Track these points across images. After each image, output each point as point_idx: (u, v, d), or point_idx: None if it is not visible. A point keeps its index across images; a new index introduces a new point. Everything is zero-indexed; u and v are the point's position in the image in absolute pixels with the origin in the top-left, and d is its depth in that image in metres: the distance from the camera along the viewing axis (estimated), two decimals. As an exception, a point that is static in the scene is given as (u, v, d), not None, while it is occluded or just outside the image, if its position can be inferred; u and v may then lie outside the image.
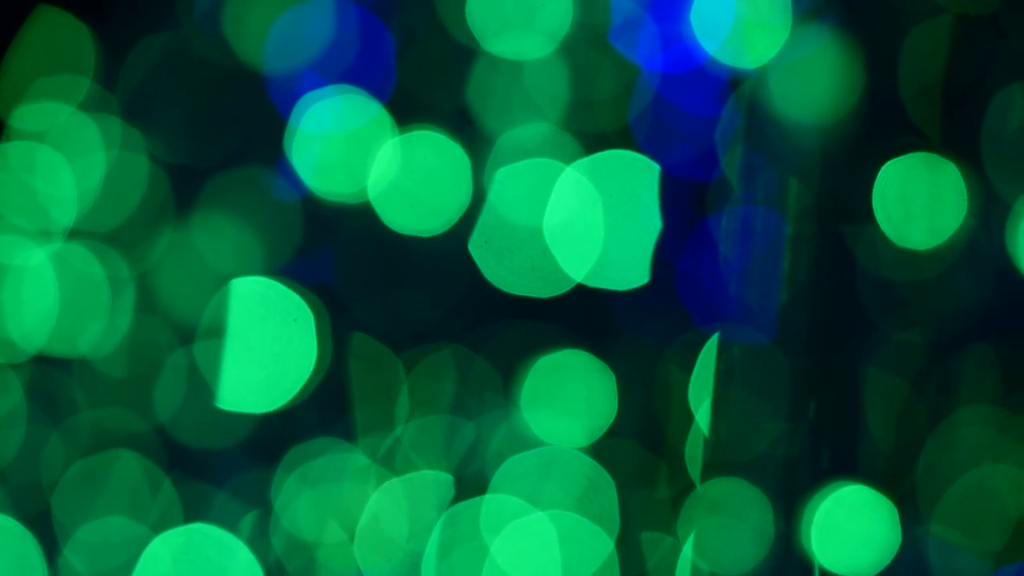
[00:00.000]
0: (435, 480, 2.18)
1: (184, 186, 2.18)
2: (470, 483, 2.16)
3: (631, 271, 2.15)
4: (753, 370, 2.09)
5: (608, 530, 2.13)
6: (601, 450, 2.14)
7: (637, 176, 2.17)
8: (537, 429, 2.13)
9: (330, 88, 2.19)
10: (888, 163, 2.09)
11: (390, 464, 2.19)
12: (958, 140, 2.13)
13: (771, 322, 2.08)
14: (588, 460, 2.14)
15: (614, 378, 2.12)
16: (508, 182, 2.21)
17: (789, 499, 2.07)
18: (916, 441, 2.11)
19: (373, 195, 2.16)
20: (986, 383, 2.13)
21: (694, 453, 2.16)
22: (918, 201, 2.09)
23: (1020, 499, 2.10)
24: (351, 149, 2.18)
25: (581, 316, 2.18)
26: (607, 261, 2.15)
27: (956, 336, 2.10)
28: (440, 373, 2.21)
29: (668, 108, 2.19)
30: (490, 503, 2.16)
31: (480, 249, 2.19)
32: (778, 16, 2.09)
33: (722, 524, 2.06)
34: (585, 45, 2.17)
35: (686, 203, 2.18)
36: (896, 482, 2.09)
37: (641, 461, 2.16)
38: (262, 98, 2.19)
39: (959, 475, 2.12)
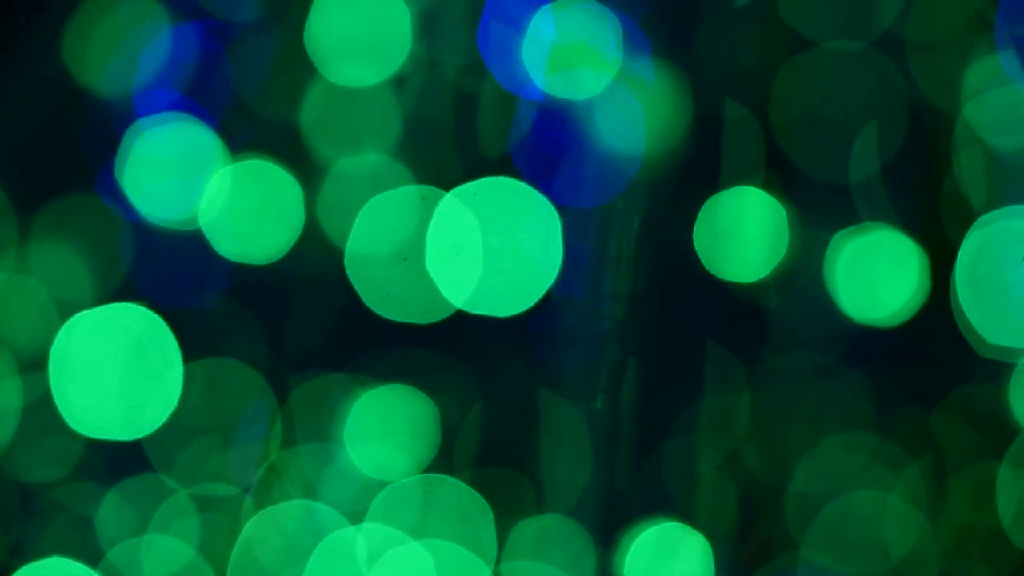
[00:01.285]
0: (309, 509, 2.14)
1: (16, 212, 2.13)
2: (346, 512, 2.13)
3: (512, 297, 2.13)
4: (577, 399, 2.09)
5: (485, 559, 2.12)
6: (480, 479, 2.12)
7: (518, 202, 2.15)
8: (363, 462, 2.10)
9: (164, 114, 2.14)
10: (712, 197, 2.09)
11: (263, 494, 2.15)
12: (783, 173, 2.14)
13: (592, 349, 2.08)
14: (466, 489, 2.12)
15: (437, 410, 2.10)
16: (390, 208, 2.18)
17: (610, 535, 2.06)
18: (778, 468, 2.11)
19: (204, 222, 2.13)
20: (851, 410, 2.14)
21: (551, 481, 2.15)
22: (738, 235, 2.09)
23: (887, 524, 2.11)
24: (182, 175, 2.14)
25: (461, 342, 2.16)
26: (487, 287, 2.13)
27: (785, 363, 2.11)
28: (315, 400, 2.17)
29: (548, 135, 2.18)
30: (366, 532, 2.13)
31: (360, 275, 2.16)
32: (608, 48, 2.09)
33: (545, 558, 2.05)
34: (462, 72, 2.15)
35: (567, 229, 2.17)
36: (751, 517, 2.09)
37: (520, 489, 2.14)
38: (96, 121, 2.15)
39: (827, 502, 2.12)
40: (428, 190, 2.17)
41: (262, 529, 2.16)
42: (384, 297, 2.10)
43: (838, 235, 2.07)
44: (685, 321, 2.09)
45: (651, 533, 2.06)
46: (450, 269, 2.12)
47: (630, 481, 2.07)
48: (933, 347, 2.10)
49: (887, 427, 2.13)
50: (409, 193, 2.18)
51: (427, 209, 2.18)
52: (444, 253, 2.09)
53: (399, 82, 2.15)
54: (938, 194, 2.12)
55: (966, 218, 2.11)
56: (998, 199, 2.11)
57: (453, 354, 2.16)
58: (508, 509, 2.11)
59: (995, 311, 2.10)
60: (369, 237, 2.17)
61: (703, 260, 2.10)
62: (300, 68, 2.16)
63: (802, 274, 2.08)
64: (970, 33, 2.12)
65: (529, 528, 2.09)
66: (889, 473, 2.12)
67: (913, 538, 2.11)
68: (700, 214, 2.11)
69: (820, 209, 2.15)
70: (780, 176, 2.14)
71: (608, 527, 2.07)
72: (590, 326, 2.11)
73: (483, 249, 2.14)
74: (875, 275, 2.08)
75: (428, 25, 2.14)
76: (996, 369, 2.11)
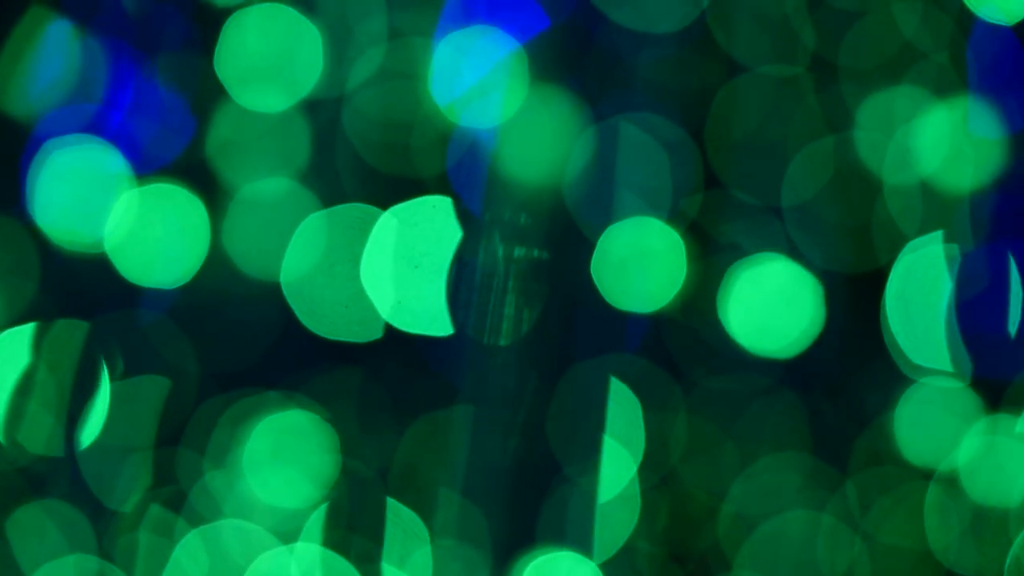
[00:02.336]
0: (238, 530, 2.11)
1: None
2: (277, 531, 2.10)
3: (444, 316, 2.11)
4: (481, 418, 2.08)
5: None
6: (406, 495, 2.09)
7: (452, 222, 2.14)
8: (263, 489, 2.08)
9: (72, 136, 2.12)
10: (610, 227, 2.09)
11: (194, 515, 2.12)
12: (717, 196, 2.15)
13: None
14: (404, 509, 2.09)
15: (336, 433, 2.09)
16: (324, 226, 2.16)
17: (508, 560, 2.05)
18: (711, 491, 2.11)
19: (109, 245, 2.10)
20: (785, 430, 2.14)
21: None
22: (635, 265, 2.10)
23: (819, 544, 2.11)
24: (89, 198, 2.11)
25: (393, 360, 2.14)
26: (419, 306, 2.11)
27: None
28: (247, 418, 2.14)
29: (487, 155, 2.17)
30: (299, 552, 2.10)
31: (295, 293, 2.13)
32: (515, 77, 2.10)
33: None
34: (397, 93, 2.14)
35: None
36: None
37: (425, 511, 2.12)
38: (4, 142, 2.12)
39: (761, 521, 2.12)
40: (364, 209, 2.15)
41: (192, 549, 2.12)
42: (341, 314, 2.08)
43: (734, 265, 2.07)
44: (587, 343, 2.08)
45: (545, 561, 2.04)
46: (397, 285, 2.10)
47: (530, 506, 2.05)
48: (865, 369, 2.10)
49: (820, 447, 2.13)
50: (344, 212, 2.15)
51: (364, 229, 2.15)
52: (401, 267, 2.07)
53: (310, 106, 2.13)
54: (869, 218, 2.13)
55: (896, 243, 2.12)
56: (928, 224, 2.13)
57: (377, 373, 2.13)
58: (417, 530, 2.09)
59: (923, 334, 2.11)
60: (306, 256, 2.14)
61: (601, 290, 2.09)
62: (211, 92, 2.13)
63: (701, 304, 2.08)
64: (902, 61, 2.14)
65: (424, 552, 2.07)
66: (822, 493, 2.12)
67: (846, 558, 2.11)
68: (599, 243, 2.10)
69: (751, 232, 2.15)
70: (714, 199, 2.14)
71: (507, 552, 2.05)
72: (493, 349, 2.09)
73: (417, 268, 2.12)
74: (769, 306, 2.09)
75: (340, 47, 2.13)
76: (925, 390, 2.12)
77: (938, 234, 2.10)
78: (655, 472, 2.13)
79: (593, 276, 2.08)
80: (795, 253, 2.14)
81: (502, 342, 2.09)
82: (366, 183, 2.16)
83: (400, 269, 2.09)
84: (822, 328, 2.08)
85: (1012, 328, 2.08)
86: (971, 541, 2.06)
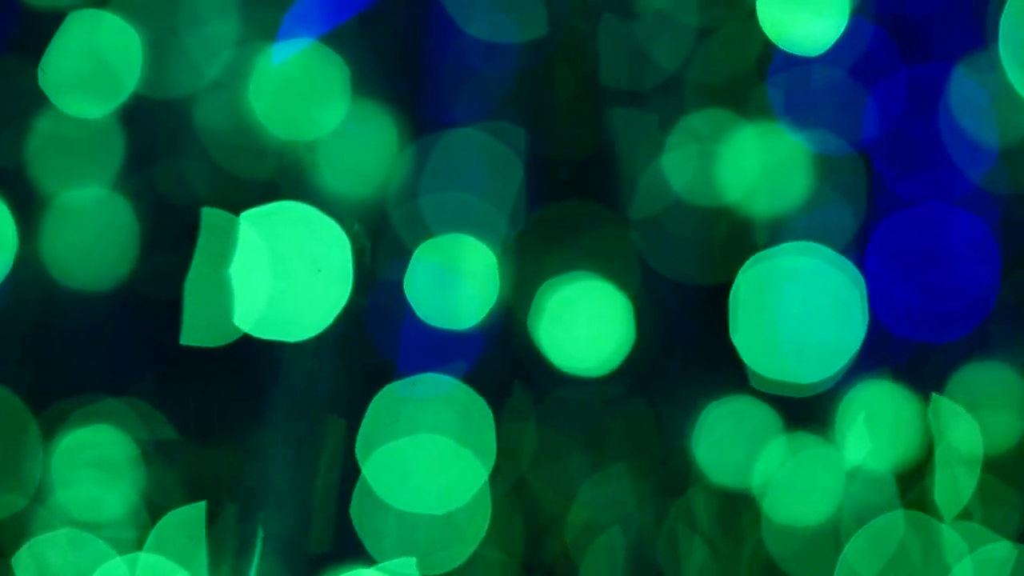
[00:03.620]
0: (78, 541, 2.05)
1: None
2: (116, 541, 2.05)
3: (303, 322, 2.08)
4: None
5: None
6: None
7: (314, 226, 2.11)
8: (101, 498, 2.03)
9: None
10: (429, 241, 2.10)
11: (29, 523, 2.05)
12: (573, 210, 2.15)
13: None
14: (239, 518, 2.05)
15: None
16: (181, 230, 2.11)
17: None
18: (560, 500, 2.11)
19: None
20: (633, 438, 2.15)
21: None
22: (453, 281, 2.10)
23: (665, 549, 2.12)
24: None
25: (254, 367, 2.10)
26: (277, 311, 2.08)
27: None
28: (96, 426, 2.09)
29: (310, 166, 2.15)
30: (142, 562, 2.04)
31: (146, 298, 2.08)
32: (338, 89, 2.09)
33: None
34: (238, 100, 2.10)
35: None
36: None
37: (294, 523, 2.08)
38: None
39: (608, 528, 2.12)
40: (219, 213, 2.11)
41: (29, 561, 2.05)
42: (200, 318, 2.02)
43: (547, 283, 2.08)
44: (407, 356, 2.07)
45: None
46: (256, 290, 2.06)
47: (337, 519, 2.04)
48: (711, 379, 2.12)
49: (668, 455, 2.14)
50: (204, 215, 2.10)
51: (221, 233, 2.11)
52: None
53: (126, 113, 2.09)
54: (717, 231, 2.15)
55: (743, 255, 2.14)
56: (774, 237, 2.15)
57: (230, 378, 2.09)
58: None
59: (769, 346, 2.13)
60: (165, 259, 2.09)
61: (417, 308, 2.08)
62: (29, 98, 2.08)
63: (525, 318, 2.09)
64: (749, 81, 2.17)
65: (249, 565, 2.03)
66: (669, 500, 2.13)
67: (695, 563, 2.12)
68: (414, 258, 2.09)
69: (603, 244, 2.16)
70: (570, 212, 2.14)
71: (317, 565, 2.03)
72: (311, 358, 2.07)
73: (275, 274, 2.08)
74: (580, 325, 2.10)
75: (159, 56, 2.09)
76: (770, 400, 2.14)
77: (785, 246, 2.12)
78: (505, 480, 2.12)
79: (408, 291, 2.06)
80: (645, 265, 2.15)
81: (322, 352, 2.06)
82: (220, 187, 2.11)
83: (261, 273, 2.05)
84: (644, 344, 2.09)
85: (854, 340, 2.11)
86: (809, 550, 2.08)
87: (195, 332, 2.08)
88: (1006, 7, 2.11)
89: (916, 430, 2.10)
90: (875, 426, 2.08)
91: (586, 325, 2.08)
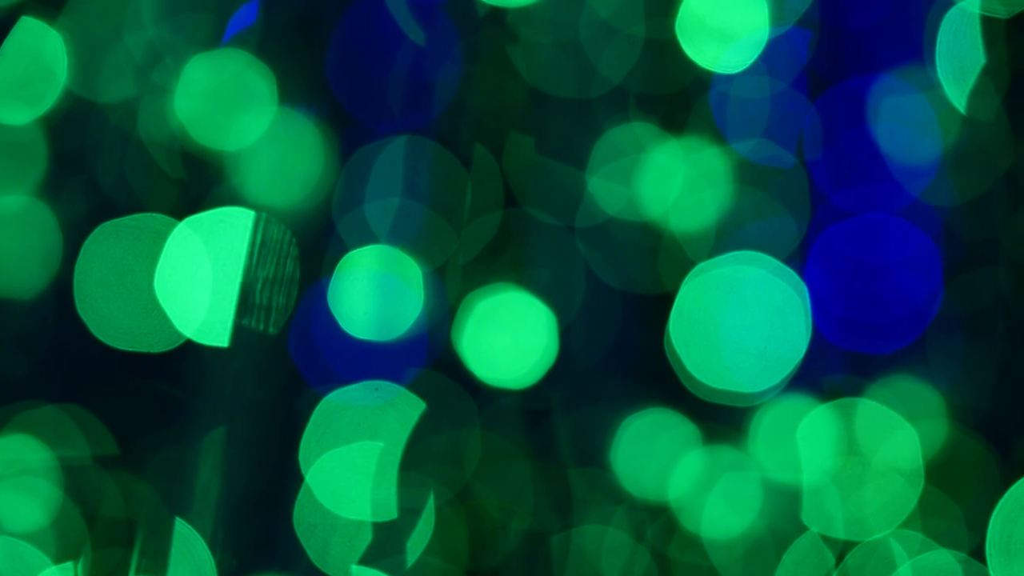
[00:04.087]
0: (12, 550, 2.04)
1: None
2: (51, 549, 2.04)
3: (226, 327, 2.07)
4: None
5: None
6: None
7: (242, 232, 2.10)
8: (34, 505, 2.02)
9: None
10: (350, 252, 2.09)
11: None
12: (516, 216, 2.16)
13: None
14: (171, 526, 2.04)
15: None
16: (115, 235, 2.10)
17: None
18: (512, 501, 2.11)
19: None
20: (577, 445, 2.15)
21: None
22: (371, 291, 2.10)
23: (606, 557, 2.12)
24: None
25: (194, 372, 2.09)
26: (217, 317, 2.07)
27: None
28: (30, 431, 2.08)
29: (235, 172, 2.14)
30: (77, 572, 2.03)
31: (86, 303, 2.08)
32: (265, 96, 2.08)
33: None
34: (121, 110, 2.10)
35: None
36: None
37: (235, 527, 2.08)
38: None
39: (551, 536, 2.12)
40: (158, 218, 2.10)
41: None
42: (141, 324, 2.02)
43: (472, 294, 2.08)
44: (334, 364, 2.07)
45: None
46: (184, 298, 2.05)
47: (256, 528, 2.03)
48: (655, 389, 2.12)
49: (610, 462, 2.14)
50: (138, 221, 2.10)
51: (158, 238, 2.10)
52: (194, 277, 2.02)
53: (51, 119, 2.08)
54: (659, 242, 2.16)
55: (684, 266, 2.14)
56: (716, 247, 2.16)
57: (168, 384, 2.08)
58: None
59: (711, 355, 2.14)
60: (95, 266, 2.08)
61: (341, 318, 2.08)
62: None
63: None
64: (692, 92, 2.17)
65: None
66: (613, 507, 2.13)
67: (637, 572, 2.12)
68: (340, 268, 2.09)
69: (548, 253, 2.16)
70: (511, 218, 2.14)
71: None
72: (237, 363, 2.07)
73: (213, 279, 2.07)
74: (503, 338, 2.10)
75: (85, 62, 2.08)
76: (710, 410, 2.14)
77: (725, 256, 2.12)
78: (449, 488, 2.12)
79: (333, 300, 2.06)
80: (590, 273, 2.15)
81: (245, 357, 2.05)
82: (158, 192, 2.10)
83: (192, 279, 2.04)
84: (587, 353, 2.09)
85: (796, 350, 2.11)
86: (753, 556, 2.09)
87: (134, 338, 2.07)
88: (944, 20, 2.11)
89: (855, 441, 2.10)
90: (804, 438, 2.08)
91: (508, 337, 2.08)
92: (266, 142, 2.08)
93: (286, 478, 2.09)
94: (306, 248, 2.08)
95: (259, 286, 2.05)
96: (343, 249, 2.10)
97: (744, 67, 2.06)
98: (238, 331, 2.07)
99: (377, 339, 2.07)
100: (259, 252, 2.06)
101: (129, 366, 2.10)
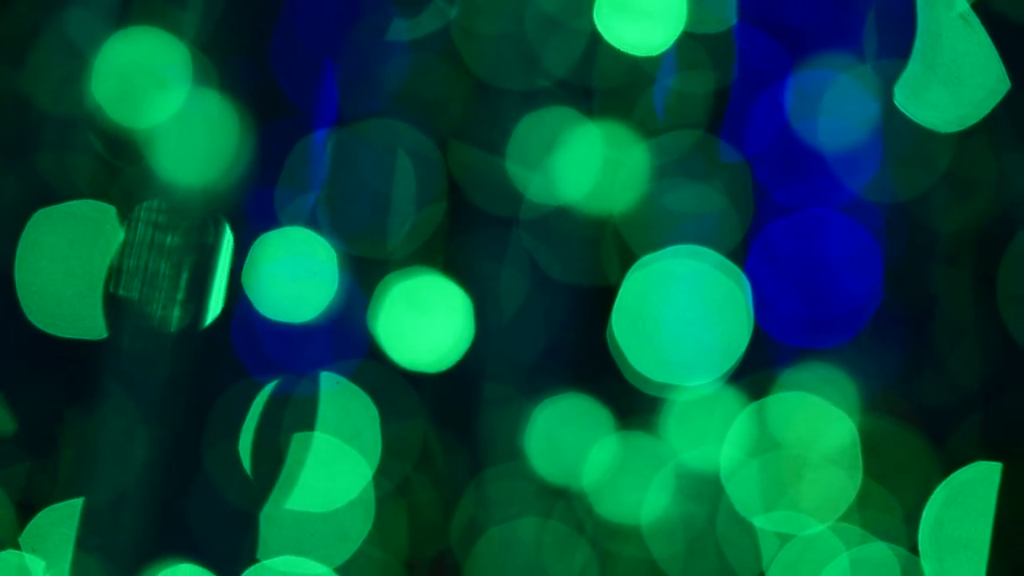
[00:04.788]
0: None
1: None
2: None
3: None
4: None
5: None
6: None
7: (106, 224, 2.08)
8: None
9: None
10: (266, 234, 2.08)
11: None
12: (457, 206, 2.15)
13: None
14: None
15: None
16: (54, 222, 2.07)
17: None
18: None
19: None
20: (522, 438, 2.14)
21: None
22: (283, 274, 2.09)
23: (547, 550, 2.12)
24: None
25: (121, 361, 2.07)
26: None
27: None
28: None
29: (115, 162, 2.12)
30: (7, 562, 2.01)
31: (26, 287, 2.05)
32: (175, 76, 2.07)
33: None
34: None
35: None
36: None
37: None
38: None
39: (491, 528, 2.12)
40: (96, 205, 2.08)
41: None
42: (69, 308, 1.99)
43: (383, 280, 2.07)
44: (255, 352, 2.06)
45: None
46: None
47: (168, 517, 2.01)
48: (600, 383, 2.12)
49: (551, 455, 2.13)
50: (76, 208, 2.07)
51: (96, 226, 2.08)
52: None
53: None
54: (602, 235, 2.15)
55: (627, 259, 2.14)
56: (659, 241, 2.15)
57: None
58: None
59: (654, 349, 2.13)
60: (37, 253, 2.05)
61: (257, 301, 2.07)
62: None
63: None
64: (638, 87, 2.17)
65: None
66: (549, 500, 2.12)
67: (574, 564, 2.12)
68: (251, 253, 2.08)
69: (491, 245, 2.15)
70: (455, 209, 2.13)
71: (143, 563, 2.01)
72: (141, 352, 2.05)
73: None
74: (416, 322, 2.09)
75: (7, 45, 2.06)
76: (654, 404, 2.14)
77: (668, 250, 2.12)
78: (390, 479, 2.11)
79: (248, 284, 2.04)
80: (533, 265, 2.14)
81: (149, 344, 2.03)
82: (97, 179, 2.08)
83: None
84: (529, 345, 2.08)
85: (739, 344, 2.11)
86: (699, 553, 2.09)
87: (61, 323, 2.04)
88: (888, 19, 2.12)
89: (795, 434, 2.11)
90: (744, 431, 2.08)
91: (422, 321, 2.06)
92: (182, 122, 2.06)
93: (214, 468, 2.06)
94: (218, 232, 2.06)
95: (131, 277, 2.02)
96: (267, 235, 2.08)
97: (663, 50, 2.06)
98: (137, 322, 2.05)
99: (291, 322, 2.05)
100: (133, 243, 2.03)
101: (63, 351, 2.07)
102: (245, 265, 2.07)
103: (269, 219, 2.10)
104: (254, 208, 2.10)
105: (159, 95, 2.05)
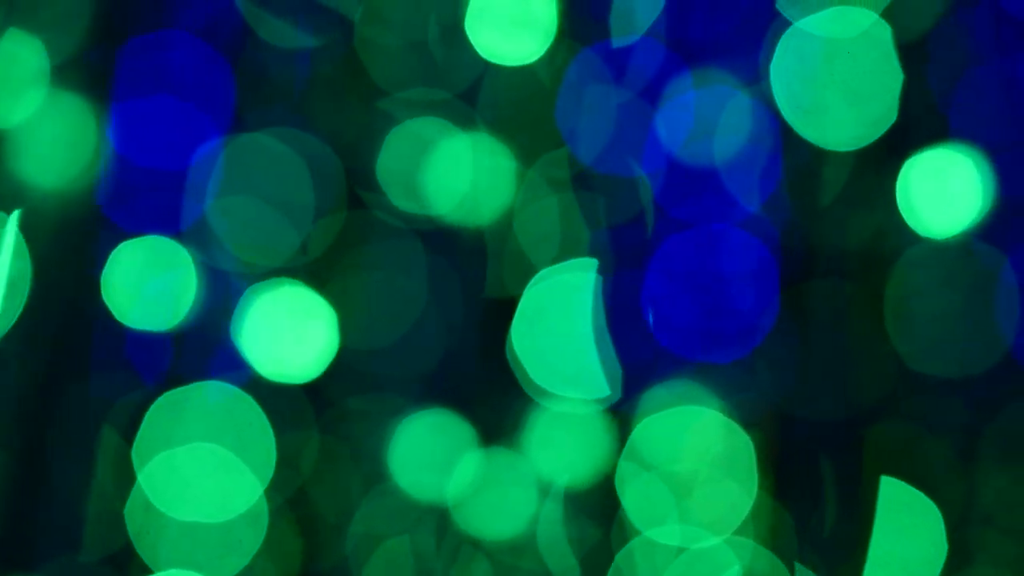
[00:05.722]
0: None
1: None
2: None
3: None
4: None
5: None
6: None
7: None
8: None
9: None
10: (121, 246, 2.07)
11: None
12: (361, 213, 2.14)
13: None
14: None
15: None
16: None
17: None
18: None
19: None
20: (421, 449, 2.13)
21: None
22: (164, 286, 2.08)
23: (443, 559, 2.10)
24: None
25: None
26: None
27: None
28: None
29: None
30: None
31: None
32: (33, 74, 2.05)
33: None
34: None
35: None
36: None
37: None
38: None
39: (387, 539, 2.10)
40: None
41: None
42: None
43: (251, 288, 2.06)
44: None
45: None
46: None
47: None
48: (496, 394, 2.11)
49: (449, 467, 2.12)
50: None
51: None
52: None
53: None
54: (502, 246, 2.14)
55: (527, 271, 2.14)
56: (559, 254, 2.15)
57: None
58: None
59: (550, 361, 2.13)
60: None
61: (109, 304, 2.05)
62: None
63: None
64: (538, 100, 2.16)
65: None
66: (449, 511, 2.11)
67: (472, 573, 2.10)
68: (109, 262, 2.06)
69: (391, 256, 2.13)
70: (356, 219, 2.12)
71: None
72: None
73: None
74: (278, 332, 2.08)
75: None
76: (554, 416, 2.13)
77: (569, 263, 2.12)
78: (283, 491, 2.08)
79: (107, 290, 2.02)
80: (433, 277, 2.13)
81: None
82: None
83: None
84: (430, 357, 2.07)
85: (635, 357, 2.11)
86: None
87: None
88: (783, 38, 2.13)
89: (691, 447, 2.10)
90: (641, 444, 2.08)
91: (285, 331, 2.05)
92: (39, 124, 2.02)
93: (97, 478, 2.03)
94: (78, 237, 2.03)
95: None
96: (127, 243, 2.05)
97: (539, 55, 2.07)
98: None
99: (151, 329, 2.03)
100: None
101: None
102: (104, 272, 2.04)
103: (157, 226, 2.07)
104: (136, 214, 2.07)
105: (16, 97, 2.02)
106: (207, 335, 2.06)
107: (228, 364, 2.08)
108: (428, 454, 2.06)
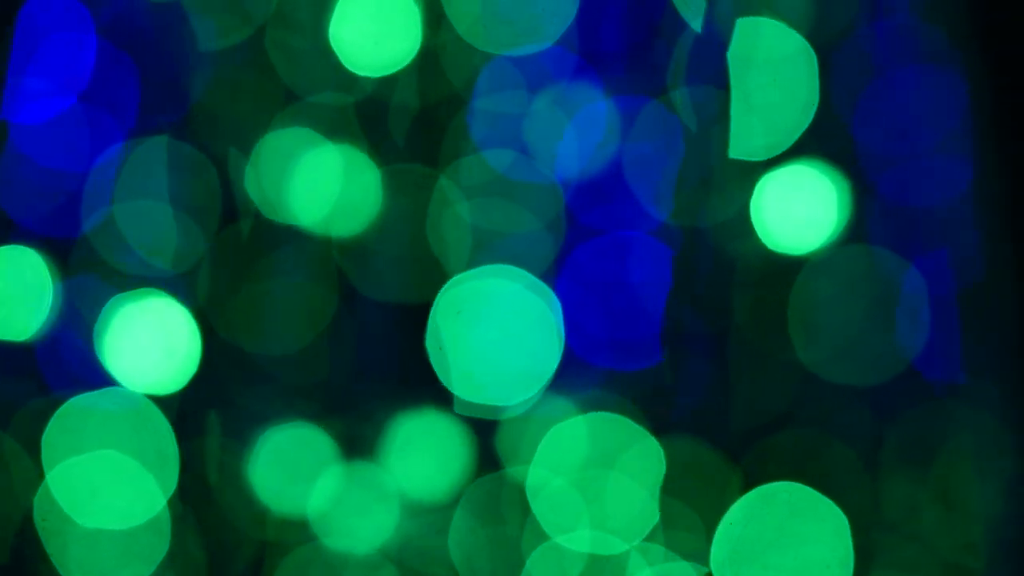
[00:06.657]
0: None
1: None
2: None
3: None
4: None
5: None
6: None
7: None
8: None
9: None
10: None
11: None
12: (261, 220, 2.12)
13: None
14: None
15: None
16: None
17: None
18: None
19: None
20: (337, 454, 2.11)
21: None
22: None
23: (353, 566, 2.09)
24: None
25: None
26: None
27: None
28: None
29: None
30: None
31: None
32: None
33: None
34: None
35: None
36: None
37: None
38: None
39: (300, 545, 2.08)
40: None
41: None
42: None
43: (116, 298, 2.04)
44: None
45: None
46: None
47: None
48: (410, 400, 2.10)
49: (359, 475, 2.11)
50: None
51: None
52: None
53: None
54: (415, 252, 2.14)
55: (440, 277, 2.13)
56: (471, 260, 2.15)
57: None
58: None
59: (463, 367, 2.12)
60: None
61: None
62: None
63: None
64: (452, 105, 2.15)
65: None
66: (358, 517, 2.10)
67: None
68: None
69: (302, 261, 2.12)
70: (266, 224, 2.10)
71: None
72: None
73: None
74: (138, 344, 2.06)
75: None
76: (474, 424, 2.13)
77: (482, 269, 2.11)
78: (188, 498, 2.05)
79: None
80: (344, 283, 2.11)
81: None
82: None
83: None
84: (342, 363, 2.06)
85: (550, 364, 2.11)
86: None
87: None
88: (691, 48, 2.14)
89: (601, 454, 2.10)
90: (551, 450, 2.07)
91: (149, 339, 2.02)
92: None
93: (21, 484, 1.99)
94: None
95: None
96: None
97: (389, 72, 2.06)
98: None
99: (7, 339, 2.00)
100: None
101: None
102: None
103: (56, 228, 2.04)
104: (36, 215, 2.03)
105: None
106: (68, 346, 2.03)
107: (91, 375, 2.05)
108: (293, 465, 2.04)
